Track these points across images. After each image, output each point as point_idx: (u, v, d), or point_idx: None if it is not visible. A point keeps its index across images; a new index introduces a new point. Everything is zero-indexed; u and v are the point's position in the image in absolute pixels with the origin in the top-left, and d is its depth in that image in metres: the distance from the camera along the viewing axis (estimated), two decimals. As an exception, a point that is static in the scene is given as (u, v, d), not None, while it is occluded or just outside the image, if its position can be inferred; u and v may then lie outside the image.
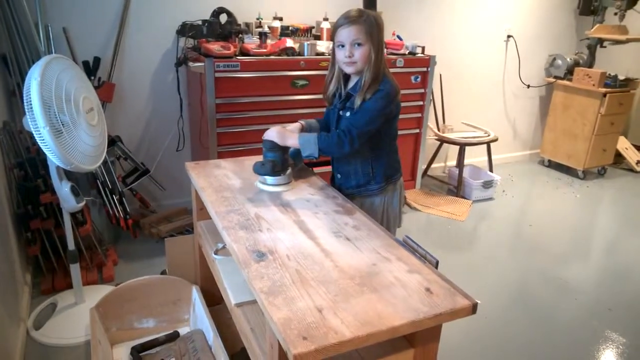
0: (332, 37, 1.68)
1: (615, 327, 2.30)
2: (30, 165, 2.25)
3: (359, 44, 1.57)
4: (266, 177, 1.67)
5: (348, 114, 1.66)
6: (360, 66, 1.60)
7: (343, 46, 1.59)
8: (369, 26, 1.56)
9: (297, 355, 0.90)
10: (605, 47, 4.29)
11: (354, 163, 1.74)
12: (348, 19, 1.57)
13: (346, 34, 1.57)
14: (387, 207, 1.80)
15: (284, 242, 1.31)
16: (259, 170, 1.65)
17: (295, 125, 1.75)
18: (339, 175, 1.81)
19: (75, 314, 2.13)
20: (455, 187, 3.75)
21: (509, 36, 4.14)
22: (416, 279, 1.16)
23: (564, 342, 2.19)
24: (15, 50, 2.44)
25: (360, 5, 3.10)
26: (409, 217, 3.37)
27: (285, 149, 1.67)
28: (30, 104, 1.61)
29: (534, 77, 4.44)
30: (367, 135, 1.61)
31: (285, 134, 1.65)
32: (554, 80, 4.32)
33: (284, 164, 1.68)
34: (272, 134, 1.65)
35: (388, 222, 1.81)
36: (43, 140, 1.64)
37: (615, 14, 4.12)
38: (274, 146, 1.65)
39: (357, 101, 1.61)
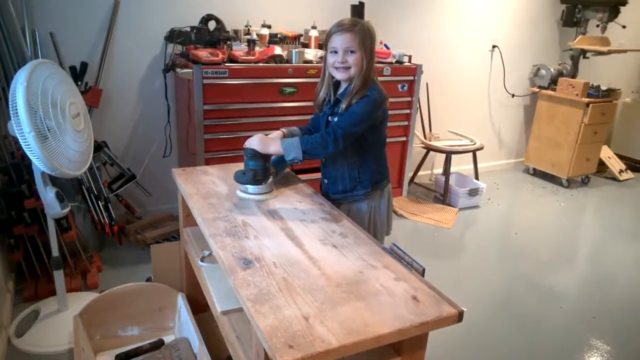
0: (324, 44, 1.70)
1: (599, 335, 2.33)
2: (15, 170, 2.22)
3: (352, 51, 1.60)
4: (247, 185, 1.66)
5: (336, 119, 1.67)
6: (353, 72, 1.62)
7: (336, 52, 1.62)
8: (363, 35, 1.60)
9: (284, 364, 0.90)
10: (588, 57, 4.38)
11: (340, 168, 1.76)
12: (343, 26, 1.61)
13: (340, 41, 1.61)
14: (374, 213, 1.81)
15: (271, 249, 1.31)
16: (240, 179, 1.64)
17: (277, 133, 1.75)
18: (325, 181, 1.83)
19: (59, 322, 2.10)
20: (441, 195, 3.78)
21: (494, 46, 4.21)
22: (403, 287, 1.17)
23: (550, 349, 2.21)
24: (1, 54, 2.41)
25: (348, 14, 3.14)
26: (396, 225, 3.36)
27: (266, 157, 1.66)
28: (16, 109, 1.60)
29: (518, 86, 4.50)
30: (351, 137, 1.62)
31: (267, 142, 1.65)
32: (539, 90, 4.39)
33: (265, 172, 1.67)
34: (254, 142, 1.64)
35: (375, 228, 1.82)
36: (28, 145, 1.63)
37: (597, 25, 4.22)
38: (255, 154, 1.64)
39: (343, 105, 1.64)
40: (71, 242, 2.39)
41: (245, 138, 1.70)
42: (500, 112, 4.54)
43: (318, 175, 1.90)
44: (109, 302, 1.95)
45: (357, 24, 1.61)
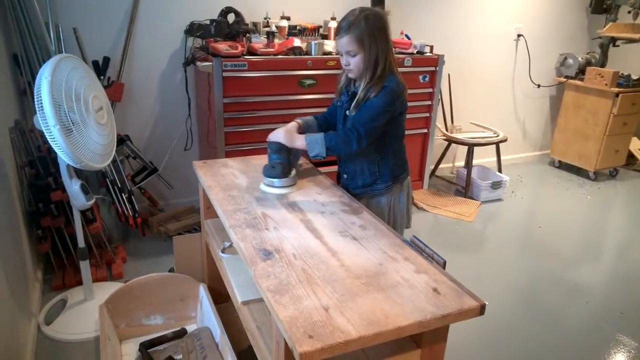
0: None
1: (627, 331, 2.27)
2: (41, 163, 2.27)
3: (352, 55, 1.59)
4: (273, 179, 1.65)
5: (354, 113, 1.66)
6: (355, 73, 1.63)
7: (342, 55, 1.63)
8: (360, 34, 1.54)
9: (303, 354, 0.90)
10: (618, 46, 4.24)
11: (359, 163, 1.74)
12: (340, 29, 1.59)
13: (340, 45, 1.60)
14: (394, 206, 1.79)
15: (291, 241, 1.31)
16: (270, 173, 1.64)
17: (293, 124, 1.72)
18: (345, 176, 1.81)
19: (85, 310, 2.16)
20: (463, 188, 3.72)
21: (519, 35, 4.11)
22: (423, 279, 1.16)
23: (575, 345, 2.16)
24: (26, 49, 2.47)
25: (367, 5, 3.10)
26: (416, 218, 3.35)
27: (290, 150, 1.66)
28: (41, 103, 1.63)
29: (544, 76, 4.40)
30: (374, 132, 1.61)
31: (293, 135, 1.64)
32: (565, 80, 4.28)
33: (289, 165, 1.68)
34: (280, 135, 1.63)
35: (394, 221, 1.80)
36: (53, 138, 1.66)
37: (629, 12, 4.06)
38: (281, 148, 1.64)
39: (357, 100, 1.62)
40: (96, 234, 2.44)
41: (265, 131, 1.70)
42: (525, 103, 4.44)
43: (336, 167, 1.88)
44: (133, 292, 1.98)
45: (354, 23, 1.54)
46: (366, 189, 1.76)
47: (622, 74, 4.00)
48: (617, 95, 3.89)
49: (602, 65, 4.20)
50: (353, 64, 1.59)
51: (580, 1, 4.31)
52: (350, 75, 1.66)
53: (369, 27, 1.54)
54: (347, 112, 1.70)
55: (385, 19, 1.60)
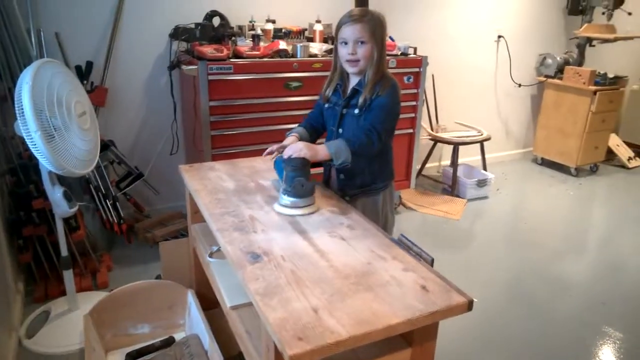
0: (335, 35, 1.66)
1: (611, 322, 2.31)
2: (23, 170, 2.23)
3: (362, 42, 1.57)
4: (302, 199, 1.49)
5: (356, 111, 1.62)
6: (362, 65, 1.59)
7: (346, 43, 1.58)
8: (373, 25, 1.56)
9: (293, 356, 0.90)
10: (594, 45, 4.33)
11: (361, 162, 1.65)
12: (352, 17, 1.57)
13: (350, 32, 1.57)
14: (388, 205, 1.80)
15: (279, 243, 1.31)
16: (302, 192, 1.49)
17: (292, 139, 1.68)
18: (342, 176, 1.73)
19: (69, 322, 2.11)
20: (449, 187, 3.75)
21: (499, 36, 4.17)
22: (411, 277, 1.16)
23: (561, 337, 2.19)
24: (7, 54, 2.42)
25: (352, 7, 3.11)
26: (404, 217, 3.37)
27: (309, 164, 1.54)
28: (22, 109, 1.60)
29: (525, 76, 4.46)
30: (391, 130, 1.62)
31: (316, 148, 1.53)
32: (545, 79, 4.35)
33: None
34: (303, 150, 1.51)
35: (386, 219, 1.80)
36: (35, 145, 1.63)
37: (603, 13, 4.17)
38: (305, 164, 1.50)
39: (362, 98, 1.59)
40: (80, 242, 2.40)
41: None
42: (507, 102, 4.50)
43: (321, 169, 1.84)
44: (119, 301, 1.95)
45: (368, 14, 1.57)
46: (364, 189, 1.73)
47: (599, 72, 4.08)
48: (594, 93, 3.97)
49: (580, 65, 4.29)
50: (361, 52, 1.57)
51: (557, 3, 4.39)
52: (352, 69, 1.61)
53: (379, 23, 1.58)
54: (345, 110, 1.67)
55: (385, 22, 1.62)
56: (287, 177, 1.50)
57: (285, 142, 1.67)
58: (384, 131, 1.57)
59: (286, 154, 1.53)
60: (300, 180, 1.48)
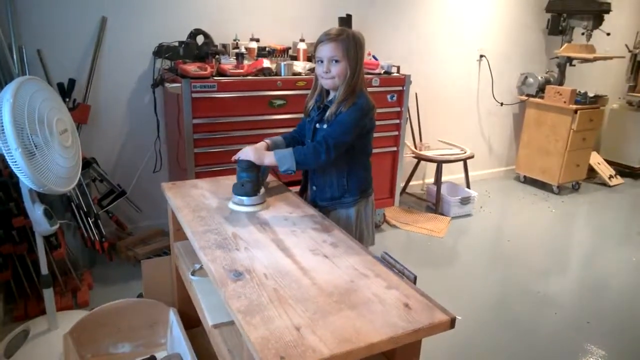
0: (314, 52, 1.74)
1: (594, 340, 2.32)
2: (2, 188, 2.19)
3: (336, 61, 1.63)
4: (243, 197, 1.65)
5: (325, 126, 1.70)
6: (337, 82, 1.66)
7: (322, 62, 1.66)
8: (347, 44, 1.63)
9: (275, 375, 0.89)
10: (574, 65, 4.44)
11: (329, 176, 1.77)
12: (327, 36, 1.64)
13: (324, 51, 1.64)
14: (361, 220, 1.82)
15: (262, 260, 1.30)
16: (239, 191, 1.65)
17: (261, 144, 1.77)
18: (314, 188, 1.84)
19: (49, 341, 2.06)
20: (433, 204, 3.78)
21: (481, 56, 4.25)
22: (394, 295, 1.17)
23: (545, 356, 2.20)
24: (-12, 72, 2.41)
25: (336, 26, 3.16)
26: (388, 235, 3.38)
27: (259, 168, 1.68)
28: (2, 126, 1.59)
29: (507, 95, 4.55)
30: (342, 147, 1.64)
31: (262, 153, 1.67)
32: (527, 98, 4.44)
33: (259, 183, 1.70)
34: (249, 153, 1.66)
35: (361, 235, 1.83)
36: (15, 162, 1.61)
37: (583, 33, 4.29)
38: (250, 166, 1.65)
39: (329, 112, 1.66)
40: (61, 260, 2.36)
41: (236, 151, 1.70)
42: (490, 121, 4.57)
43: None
44: (100, 320, 1.92)
45: (343, 33, 1.63)
46: (334, 202, 1.80)
47: (579, 91, 4.18)
48: (575, 112, 4.05)
49: (561, 84, 4.38)
50: (335, 71, 1.64)
51: (537, 23, 4.50)
52: (327, 85, 1.69)
53: (354, 42, 1.64)
54: (317, 124, 1.74)
55: (364, 41, 1.68)
56: (237, 177, 1.68)
57: (255, 145, 1.75)
58: (334, 146, 1.61)
59: (236, 156, 1.68)
60: (245, 180, 1.64)
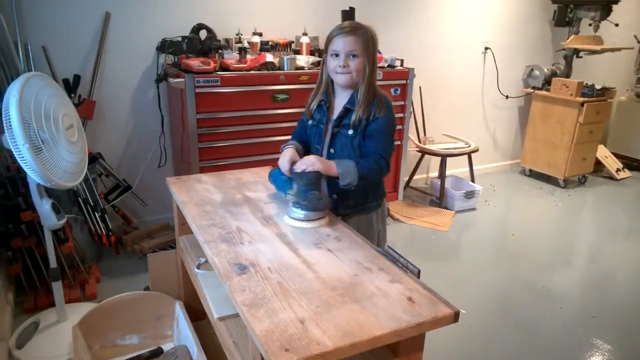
0: (325, 47, 1.62)
1: (600, 334, 2.32)
2: (11, 183, 2.22)
3: (354, 55, 1.54)
4: (310, 212, 1.48)
5: (350, 132, 1.60)
6: (354, 77, 1.56)
7: (337, 55, 1.56)
8: (366, 39, 1.55)
9: (279, 367, 0.91)
10: (581, 57, 4.40)
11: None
12: (345, 29, 1.54)
13: (342, 44, 1.54)
14: (381, 222, 1.79)
15: (266, 254, 1.31)
16: (318, 206, 1.48)
17: (290, 151, 1.64)
18: (334, 196, 1.67)
19: (58, 332, 2.10)
20: (437, 198, 3.78)
21: (486, 48, 4.23)
22: (398, 289, 1.17)
23: (550, 350, 2.20)
24: (-6, 68, 2.43)
25: (339, 20, 3.16)
26: (392, 229, 3.38)
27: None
28: (9, 122, 1.60)
29: (512, 88, 4.52)
30: (392, 154, 1.61)
31: (328, 163, 1.52)
32: (532, 90, 4.41)
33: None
34: (316, 164, 1.49)
35: (379, 236, 1.79)
36: (22, 158, 1.63)
37: (590, 24, 4.24)
38: (319, 178, 1.50)
39: (357, 118, 1.56)
40: (69, 254, 2.39)
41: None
42: (495, 114, 4.55)
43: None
44: (108, 312, 1.95)
45: (361, 28, 1.55)
46: (357, 208, 1.71)
47: (586, 84, 4.14)
48: (582, 104, 4.02)
49: (567, 76, 4.35)
50: (354, 65, 1.54)
51: (543, 14, 4.46)
52: (342, 80, 1.58)
53: (372, 38, 1.57)
54: (338, 129, 1.63)
55: (377, 39, 1.61)
56: (299, 190, 1.50)
57: (285, 155, 1.62)
58: (389, 156, 1.57)
59: (299, 167, 1.52)
60: (316, 194, 1.49)
